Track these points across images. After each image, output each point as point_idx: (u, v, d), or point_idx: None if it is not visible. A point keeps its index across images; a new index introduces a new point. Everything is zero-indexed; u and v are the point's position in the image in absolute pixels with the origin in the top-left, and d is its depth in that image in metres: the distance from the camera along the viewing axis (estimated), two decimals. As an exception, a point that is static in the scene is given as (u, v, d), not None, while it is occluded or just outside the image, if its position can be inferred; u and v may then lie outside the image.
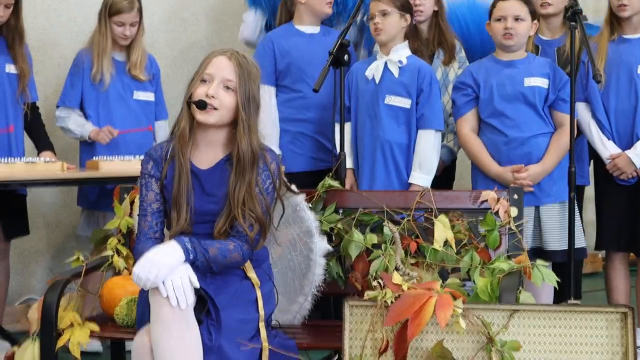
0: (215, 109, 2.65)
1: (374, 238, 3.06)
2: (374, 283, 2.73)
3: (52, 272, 5.02)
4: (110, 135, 4.36)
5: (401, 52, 4.05)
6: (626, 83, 4.15)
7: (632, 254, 4.34)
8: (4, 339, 3.90)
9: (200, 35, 5.25)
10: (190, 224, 2.68)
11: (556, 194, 3.99)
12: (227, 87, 2.68)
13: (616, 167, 4.13)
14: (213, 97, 2.64)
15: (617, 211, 4.24)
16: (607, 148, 4.17)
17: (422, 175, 4.00)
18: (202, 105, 2.64)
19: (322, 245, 3.06)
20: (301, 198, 3.07)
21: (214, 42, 5.27)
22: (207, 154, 2.76)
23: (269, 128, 4.24)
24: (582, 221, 4.14)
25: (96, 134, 4.39)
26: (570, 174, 3.72)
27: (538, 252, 3.87)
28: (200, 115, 2.66)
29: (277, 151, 4.24)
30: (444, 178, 4.49)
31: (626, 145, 4.15)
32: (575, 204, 3.88)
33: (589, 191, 4.41)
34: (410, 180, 4.01)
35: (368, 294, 2.64)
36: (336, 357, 3.67)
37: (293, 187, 3.05)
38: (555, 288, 3.22)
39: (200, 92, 2.67)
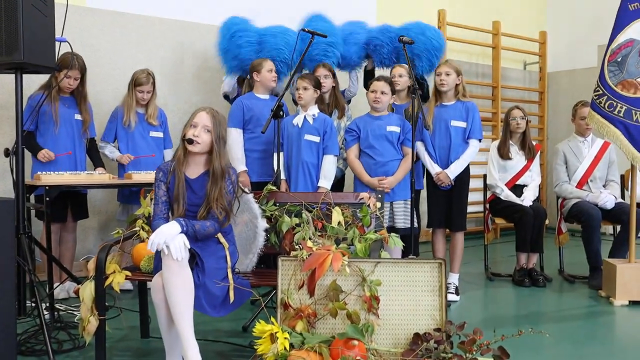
0: (198, 143, 2.70)
1: (296, 220, 3.07)
2: (296, 247, 2.78)
3: (101, 240, 4.93)
4: (128, 160, 4.38)
5: (314, 110, 4.08)
6: (444, 131, 4.23)
7: (447, 230, 4.44)
8: (72, 281, 3.84)
9: (192, 97, 5.23)
10: (184, 211, 2.72)
11: (401, 195, 4.03)
12: (207, 130, 2.72)
13: (439, 179, 4.22)
14: (197, 136, 2.70)
15: (439, 204, 4.33)
16: (434, 168, 4.25)
17: (325, 182, 4.03)
18: (190, 141, 2.70)
19: (262, 224, 3.06)
20: (250, 196, 3.09)
21: (199, 102, 5.25)
22: (194, 169, 2.78)
23: (240, 154, 4.28)
24: (417, 211, 4.22)
25: (120, 158, 4.41)
26: (412, 183, 3.79)
27: (390, 228, 3.93)
28: (189, 147, 2.71)
29: (244, 168, 4.28)
30: (338, 186, 4.54)
31: (445, 166, 4.24)
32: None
33: (424, 194, 4.49)
34: (319, 185, 4.03)
35: (292, 253, 2.68)
36: (274, 291, 3.70)
37: (246, 189, 3.08)
38: (402, 250, 3.28)
39: (190, 133, 2.72)
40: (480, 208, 5.75)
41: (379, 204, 3.12)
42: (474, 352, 2.40)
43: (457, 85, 4.26)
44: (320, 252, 2.58)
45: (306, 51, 4.04)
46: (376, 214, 3.12)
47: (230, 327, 3.51)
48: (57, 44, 3.32)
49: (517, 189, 4.87)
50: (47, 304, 3.44)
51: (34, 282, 3.09)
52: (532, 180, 4.91)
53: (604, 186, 4.90)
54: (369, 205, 3.11)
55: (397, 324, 2.60)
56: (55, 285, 3.73)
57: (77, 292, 3.02)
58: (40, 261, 4.19)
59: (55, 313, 3.47)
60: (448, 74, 4.22)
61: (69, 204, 4.22)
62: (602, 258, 4.53)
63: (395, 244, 2.88)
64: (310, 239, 2.89)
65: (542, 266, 5.02)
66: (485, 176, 5.08)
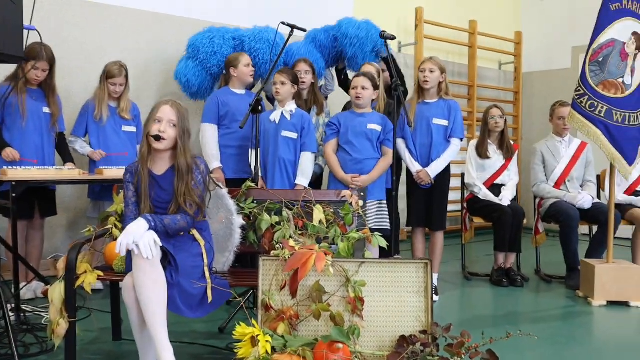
0: (164, 139, 2.57)
1: (276, 218, 2.97)
2: (277, 246, 2.68)
3: (69, 239, 4.77)
4: (100, 156, 4.22)
5: (291, 106, 4.01)
6: (426, 128, 4.18)
7: (427, 228, 4.38)
8: (40, 280, 3.67)
9: (170, 90, 5.10)
10: (152, 209, 2.60)
11: (375, 195, 3.95)
12: (172, 125, 2.59)
13: (419, 177, 4.17)
14: (163, 132, 2.56)
15: (419, 203, 4.27)
16: (414, 166, 4.20)
17: (303, 179, 3.96)
18: (157, 137, 2.56)
19: (238, 220, 2.94)
20: (225, 191, 2.96)
21: (177, 95, 5.12)
22: (161, 165, 2.65)
23: (214, 150, 4.17)
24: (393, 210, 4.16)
25: (92, 154, 4.25)
26: (393, 182, 3.72)
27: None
28: (155, 144, 2.58)
29: (219, 164, 4.17)
30: (317, 183, 4.47)
31: (425, 164, 4.18)
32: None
33: (402, 191, 4.42)
34: (296, 182, 3.96)
35: (273, 252, 2.58)
36: (251, 292, 3.59)
37: (219, 184, 2.95)
38: (382, 248, 3.18)
39: (154, 129, 2.57)
40: (457, 207, 5.73)
41: (361, 202, 3.04)
42: (463, 356, 2.33)
43: (440, 82, 4.20)
44: (303, 251, 2.48)
45: (285, 46, 3.94)
46: (358, 213, 3.03)
47: (206, 329, 3.39)
48: (25, 32, 3.17)
49: (495, 189, 4.84)
50: (13, 305, 3.28)
51: (-2, 282, 2.94)
52: (510, 180, 4.88)
53: (581, 186, 4.89)
54: (351, 204, 3.02)
55: (382, 326, 2.52)
56: (21, 285, 3.56)
57: (45, 293, 2.87)
58: (5, 260, 4.02)
59: (22, 315, 3.31)
60: (432, 71, 4.15)
61: (36, 200, 4.05)
62: (580, 258, 4.53)
63: (380, 243, 2.79)
64: (291, 237, 2.79)
65: (519, 266, 5.00)
66: (463, 175, 5.04)
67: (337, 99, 5.08)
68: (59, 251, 4.68)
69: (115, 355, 2.99)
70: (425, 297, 2.54)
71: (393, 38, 3.81)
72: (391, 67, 3.72)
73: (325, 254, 2.49)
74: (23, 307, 3.46)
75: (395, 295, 2.54)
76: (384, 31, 3.83)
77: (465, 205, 5.02)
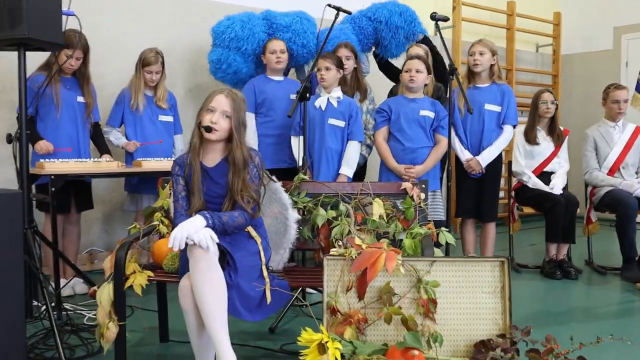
0: (216, 130, 2.40)
1: (332, 213, 2.80)
2: (338, 243, 2.50)
3: (105, 232, 4.64)
4: (135, 147, 4.05)
5: (337, 92, 3.82)
6: (477, 114, 4.00)
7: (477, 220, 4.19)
8: (78, 276, 3.54)
9: (202, 79, 4.93)
10: (204, 204, 2.43)
11: (429, 185, 3.77)
12: (225, 116, 2.42)
13: (470, 166, 3.99)
14: (215, 123, 2.39)
15: (469, 193, 4.10)
16: (464, 154, 4.02)
17: (347, 169, 3.79)
18: (207, 129, 2.40)
19: (294, 215, 2.77)
20: (279, 185, 2.79)
21: (210, 84, 4.96)
22: (212, 157, 2.48)
23: (252, 140, 4.00)
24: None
25: (126, 145, 4.09)
26: (448, 172, 3.55)
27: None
28: (206, 135, 2.41)
29: None
30: (360, 174, 4.28)
31: (476, 153, 4.00)
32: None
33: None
34: (340, 172, 3.78)
35: (337, 250, 2.37)
36: (300, 289, 3.42)
37: (273, 177, 2.76)
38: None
39: (207, 119, 2.41)
40: (502, 195, 5.51)
41: (422, 195, 2.84)
42: (551, 363, 2.15)
43: (491, 65, 4.00)
44: (371, 250, 2.29)
45: (330, 31, 3.75)
46: (420, 206, 2.83)
47: (256, 328, 3.21)
48: (63, 18, 3.01)
49: (545, 176, 4.60)
50: (54, 304, 3.15)
51: (42, 281, 2.80)
52: (560, 167, 4.65)
53: (636, 173, 4.65)
54: (412, 197, 2.83)
55: (456, 330, 2.33)
56: (62, 283, 3.44)
57: (92, 294, 2.71)
58: (43, 256, 3.89)
59: (64, 313, 3.18)
60: (482, 54, 3.96)
61: (72, 193, 3.91)
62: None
63: (447, 239, 2.61)
64: (349, 233, 2.62)
65: (569, 257, 4.77)
66: (510, 163, 4.81)
67: (380, 84, 4.85)
68: (94, 245, 4.56)
69: (166, 358, 2.85)
70: (502, 297, 2.34)
71: (446, 19, 3.61)
72: (447, 49, 3.52)
73: (396, 253, 2.30)
74: (64, 305, 3.33)
75: (470, 296, 2.34)
76: (435, 12, 3.63)
77: (512, 194, 4.80)
